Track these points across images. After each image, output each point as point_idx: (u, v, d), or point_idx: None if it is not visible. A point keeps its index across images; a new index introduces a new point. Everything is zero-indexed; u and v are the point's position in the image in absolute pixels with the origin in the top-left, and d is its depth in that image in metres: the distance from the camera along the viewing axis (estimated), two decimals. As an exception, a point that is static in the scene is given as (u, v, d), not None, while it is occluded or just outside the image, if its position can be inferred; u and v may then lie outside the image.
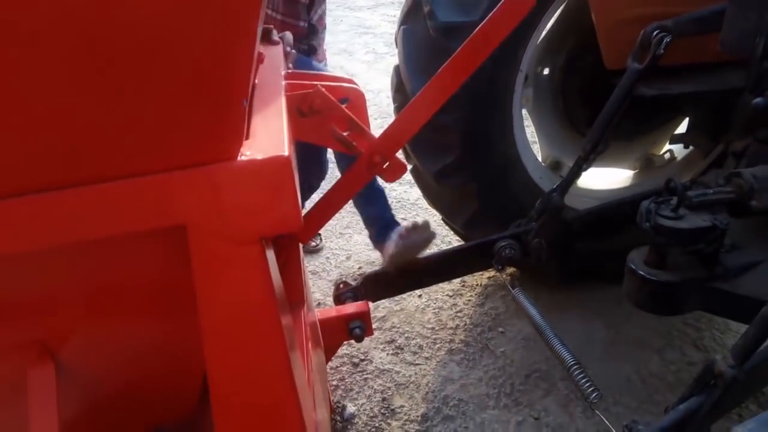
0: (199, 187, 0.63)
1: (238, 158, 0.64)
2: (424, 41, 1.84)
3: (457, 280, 2.51)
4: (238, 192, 0.65)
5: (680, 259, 1.39)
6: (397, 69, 2.10)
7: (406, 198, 3.21)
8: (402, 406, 1.93)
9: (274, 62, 1.04)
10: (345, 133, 0.99)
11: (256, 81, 0.91)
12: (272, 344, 0.74)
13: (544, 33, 1.96)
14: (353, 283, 1.81)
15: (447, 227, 2.57)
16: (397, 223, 2.16)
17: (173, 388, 1.04)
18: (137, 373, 0.98)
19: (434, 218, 2.92)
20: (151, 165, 0.63)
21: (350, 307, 1.68)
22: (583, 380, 1.35)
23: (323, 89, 0.95)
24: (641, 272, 1.38)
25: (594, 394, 1.32)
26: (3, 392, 0.89)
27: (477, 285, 2.51)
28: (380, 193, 2.31)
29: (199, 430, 1.22)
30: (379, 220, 2.24)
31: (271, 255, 0.79)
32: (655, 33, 1.55)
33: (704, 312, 1.68)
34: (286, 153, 0.66)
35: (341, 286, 1.82)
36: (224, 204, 0.64)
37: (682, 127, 2.36)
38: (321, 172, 2.52)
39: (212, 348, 0.72)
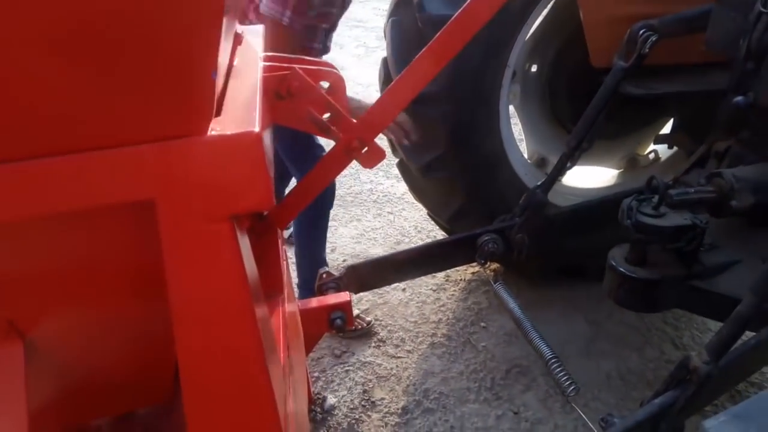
0: (168, 161, 0.62)
1: (208, 133, 0.63)
2: (412, 33, 1.83)
3: (440, 275, 2.51)
4: (208, 168, 0.63)
5: (660, 256, 1.40)
6: (385, 61, 2.09)
7: (393, 192, 3.21)
8: (382, 399, 1.93)
9: (252, 43, 1.03)
10: (323, 117, 0.98)
11: (234, 62, 0.90)
12: (243, 328, 0.73)
13: (533, 29, 1.96)
14: (336, 274, 1.80)
15: (433, 222, 2.57)
16: None
17: (147, 372, 1.03)
18: (110, 356, 0.97)
19: (420, 212, 2.93)
20: (120, 137, 0.62)
21: (332, 298, 1.67)
22: (561, 374, 1.35)
23: (301, 71, 0.94)
24: (621, 269, 1.38)
25: (571, 388, 1.32)
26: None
27: (461, 280, 2.51)
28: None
29: (173, 415, 1.21)
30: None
31: (244, 238, 0.78)
32: (641, 32, 1.56)
33: (682, 310, 1.70)
34: (257, 129, 0.65)
35: (324, 276, 1.81)
36: (193, 179, 0.63)
37: (667, 128, 2.38)
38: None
39: (182, 329, 0.71)
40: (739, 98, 1.33)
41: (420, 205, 2.48)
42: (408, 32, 1.86)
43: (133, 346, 0.98)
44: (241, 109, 0.70)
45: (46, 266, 0.78)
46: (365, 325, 2.23)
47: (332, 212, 3.02)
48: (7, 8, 0.51)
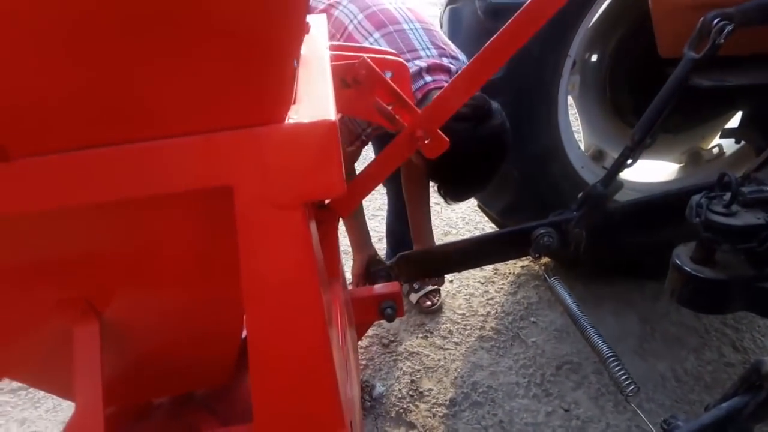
0: (247, 148, 0.63)
1: (286, 121, 0.64)
2: (471, 22, 1.80)
3: (489, 268, 2.48)
4: (284, 155, 0.64)
5: (728, 256, 1.34)
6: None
7: (442, 183, 3.18)
8: (430, 389, 1.93)
9: (319, 32, 1.03)
10: (388, 107, 0.98)
11: (302, 50, 0.91)
12: (311, 312, 0.74)
13: (595, 17, 1.90)
14: (387, 263, 1.81)
15: (481, 213, 2.54)
16: None
17: (210, 354, 1.06)
18: (176, 337, 0.99)
19: (468, 204, 2.90)
20: (200, 125, 0.63)
21: (382, 287, 1.68)
22: (620, 373, 1.32)
23: (369, 60, 0.94)
24: (687, 268, 1.33)
25: (631, 387, 1.29)
26: (51, 347, 0.91)
27: (509, 273, 2.47)
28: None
29: (232, 397, 1.24)
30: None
31: (312, 224, 0.79)
32: (715, 21, 1.48)
33: (749, 312, 1.63)
34: (333, 118, 0.65)
35: (374, 263, 1.82)
36: (269, 166, 0.64)
37: (733, 122, 2.27)
38: None
39: (253, 312, 0.72)
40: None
41: (469, 196, 2.45)
42: (466, 21, 1.83)
43: (199, 329, 1.00)
44: (315, 98, 0.70)
45: (122, 249, 0.80)
46: (438, 300, 2.28)
47: (378, 201, 3.04)
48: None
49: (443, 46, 1.59)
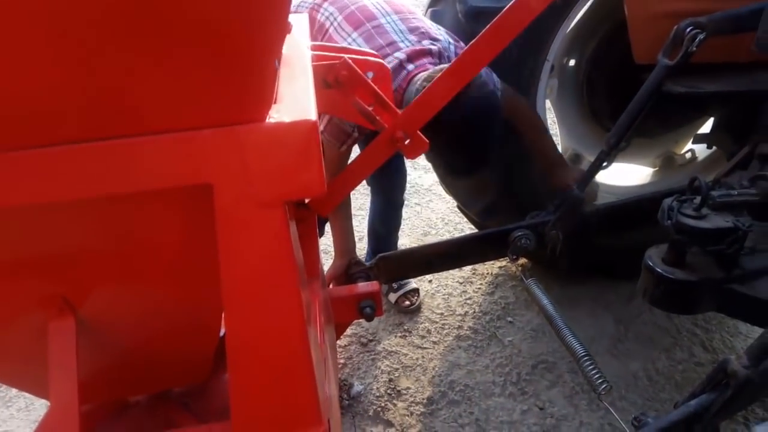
0: (227, 146, 0.63)
1: (266, 120, 0.64)
2: (451, 25, 1.82)
3: (467, 268, 2.51)
4: (265, 154, 0.65)
5: (699, 258, 1.38)
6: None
7: (420, 183, 3.20)
8: (408, 388, 1.94)
9: (300, 32, 1.04)
10: (369, 107, 0.99)
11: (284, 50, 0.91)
12: (290, 310, 0.75)
13: (573, 23, 1.93)
14: (366, 263, 1.82)
15: (461, 214, 2.56)
16: None
17: (188, 352, 1.06)
18: (153, 334, 0.99)
19: (448, 204, 2.93)
20: (181, 122, 0.63)
21: (361, 287, 1.68)
22: (594, 372, 1.34)
23: (350, 61, 0.95)
24: (659, 270, 1.37)
25: (603, 386, 1.32)
26: (26, 343, 0.90)
27: (487, 273, 2.50)
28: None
29: (209, 395, 1.24)
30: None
31: (292, 223, 0.79)
32: (688, 29, 1.52)
33: (718, 313, 1.67)
34: (314, 118, 0.66)
35: (353, 265, 1.83)
36: (250, 165, 0.64)
37: (705, 127, 2.33)
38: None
39: (231, 310, 0.73)
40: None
41: (447, 197, 2.47)
42: (447, 24, 1.84)
43: (177, 326, 1.00)
44: (296, 97, 0.71)
45: (100, 245, 0.80)
46: (417, 299, 2.30)
47: (359, 202, 3.05)
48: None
49: (423, 31, 1.59)
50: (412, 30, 1.58)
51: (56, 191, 0.66)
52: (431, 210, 2.98)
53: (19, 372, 1.06)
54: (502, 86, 1.64)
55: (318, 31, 1.68)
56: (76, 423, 0.84)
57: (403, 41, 1.54)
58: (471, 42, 1.03)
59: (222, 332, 1.13)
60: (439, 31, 1.64)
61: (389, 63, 1.44)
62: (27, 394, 1.90)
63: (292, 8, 1.78)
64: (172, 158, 0.64)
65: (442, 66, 1.33)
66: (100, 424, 1.19)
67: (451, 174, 1.65)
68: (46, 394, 1.17)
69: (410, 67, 1.46)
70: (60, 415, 0.85)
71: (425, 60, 1.48)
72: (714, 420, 1.13)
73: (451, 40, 1.62)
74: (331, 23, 1.64)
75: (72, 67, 0.60)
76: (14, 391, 1.93)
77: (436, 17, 1.96)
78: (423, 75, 1.35)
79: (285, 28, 0.60)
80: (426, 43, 1.54)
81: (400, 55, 1.48)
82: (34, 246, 0.78)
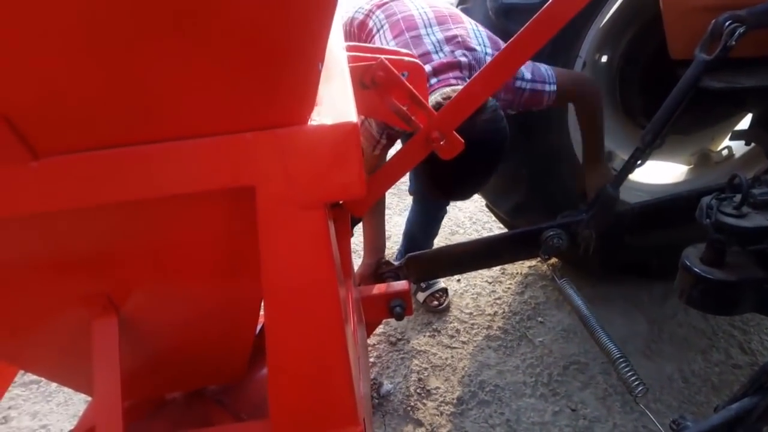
0: (270, 149, 0.64)
1: (309, 123, 0.65)
2: (482, 22, 1.80)
3: (496, 267, 2.49)
4: (307, 156, 0.65)
5: (738, 258, 1.34)
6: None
7: (449, 183, 3.19)
8: (438, 388, 1.94)
9: (335, 33, 1.04)
10: (404, 107, 0.99)
11: (322, 51, 0.92)
12: (329, 310, 0.75)
13: (606, 18, 1.90)
14: (395, 263, 1.82)
15: (489, 213, 2.55)
16: None
17: (225, 350, 1.07)
18: (192, 333, 1.01)
19: (476, 203, 2.91)
20: (225, 125, 0.64)
21: (391, 286, 1.69)
22: (629, 373, 1.32)
23: (386, 61, 0.95)
24: (696, 269, 1.34)
25: (640, 388, 1.29)
26: (69, 340, 0.92)
27: (517, 273, 2.48)
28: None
29: (244, 393, 1.25)
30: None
31: (330, 224, 0.80)
32: (727, 23, 1.49)
33: (757, 314, 1.63)
34: (355, 119, 0.66)
35: (383, 265, 1.83)
36: (293, 167, 0.65)
37: (743, 123, 2.27)
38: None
39: (272, 310, 0.74)
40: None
41: (476, 196, 2.45)
42: (478, 21, 1.83)
43: (215, 325, 1.02)
44: (336, 99, 0.72)
45: (143, 246, 0.82)
46: (445, 299, 2.30)
47: (387, 201, 3.05)
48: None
49: (460, 40, 1.58)
50: (449, 40, 1.58)
51: (103, 194, 0.68)
52: (459, 209, 2.97)
53: (61, 367, 1.08)
54: (549, 72, 1.63)
55: (367, 36, 1.71)
56: (119, 418, 0.86)
57: (437, 53, 1.54)
58: (508, 41, 1.02)
59: (257, 329, 1.15)
60: (479, 38, 1.62)
61: None
62: (66, 389, 1.96)
63: (348, 15, 1.80)
64: (215, 161, 0.65)
65: (459, 87, 1.33)
66: (139, 421, 1.22)
67: (446, 195, 1.68)
68: (86, 389, 1.20)
69: (433, 80, 1.48)
70: (103, 410, 0.87)
71: (450, 74, 1.49)
72: (757, 425, 1.11)
73: (489, 48, 1.60)
74: (378, 30, 1.66)
75: (115, 71, 0.61)
76: (54, 385, 1.99)
77: (465, 15, 1.95)
78: (445, 91, 1.36)
79: (329, 30, 0.60)
80: (458, 54, 1.54)
81: (428, 68, 1.49)
82: (79, 246, 0.79)
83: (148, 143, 0.66)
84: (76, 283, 0.84)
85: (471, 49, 1.57)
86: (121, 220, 0.76)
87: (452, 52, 1.55)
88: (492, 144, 1.38)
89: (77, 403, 1.95)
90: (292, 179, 0.65)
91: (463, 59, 1.53)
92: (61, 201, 0.66)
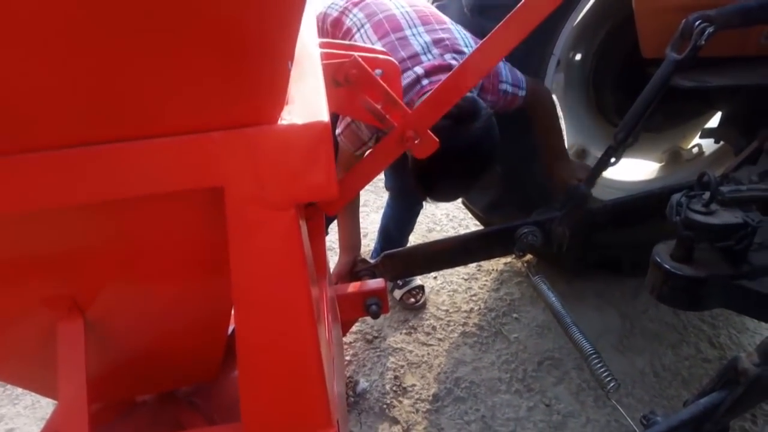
0: (240, 149, 0.62)
1: (279, 122, 0.64)
2: (457, 20, 1.80)
3: (472, 264, 2.50)
4: (277, 156, 0.64)
5: (707, 254, 1.37)
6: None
7: (426, 179, 3.19)
8: (414, 385, 1.94)
9: (308, 30, 1.02)
10: (378, 106, 0.98)
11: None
12: (301, 311, 0.74)
13: (579, 17, 1.91)
14: (371, 261, 1.81)
15: (465, 210, 2.55)
16: None
17: (197, 351, 1.05)
18: (162, 334, 0.99)
19: (454, 201, 2.91)
20: (193, 124, 0.62)
21: (367, 284, 1.68)
22: (602, 370, 1.34)
23: (359, 59, 0.94)
24: (666, 266, 1.36)
25: (612, 384, 1.31)
26: (33, 344, 0.90)
27: (493, 270, 2.50)
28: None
29: (217, 394, 1.24)
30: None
31: (302, 223, 0.79)
32: (697, 23, 1.51)
33: (725, 309, 1.67)
34: (326, 119, 0.65)
35: (359, 263, 1.82)
36: (262, 167, 0.64)
37: (713, 122, 2.32)
38: None
39: (242, 311, 0.72)
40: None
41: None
42: (453, 19, 1.83)
43: (186, 326, 1.00)
44: (307, 98, 0.70)
45: (110, 246, 0.80)
46: (422, 296, 2.30)
47: (363, 198, 3.04)
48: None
49: (448, 43, 1.58)
50: (437, 42, 1.57)
51: (67, 194, 0.65)
52: (436, 206, 2.97)
53: (25, 372, 1.05)
54: (522, 77, 1.64)
55: (344, 34, 1.68)
56: (85, 422, 0.84)
57: (425, 54, 1.54)
58: (483, 39, 1.02)
59: (230, 330, 1.13)
60: (466, 41, 1.62)
61: (408, 77, 1.45)
62: (33, 393, 1.91)
63: (321, 11, 1.78)
64: (182, 161, 0.63)
65: None
66: (108, 424, 1.19)
67: (432, 197, 1.70)
68: (52, 394, 1.17)
69: (425, 82, 1.47)
70: (68, 415, 0.85)
71: (442, 76, 1.48)
72: (724, 418, 1.13)
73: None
74: (358, 29, 1.64)
75: (80, 68, 0.59)
76: (21, 389, 1.94)
77: (440, 11, 1.94)
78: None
79: (298, 29, 0.59)
80: (448, 57, 1.54)
81: (419, 69, 1.48)
82: (41, 248, 0.77)
83: (111, 142, 0.64)
84: (40, 286, 0.82)
85: (459, 52, 1.57)
86: (85, 221, 0.74)
87: (441, 55, 1.55)
88: (484, 151, 1.40)
89: (45, 406, 1.90)
90: (262, 180, 0.64)
91: (453, 62, 1.53)
92: (21, 202, 0.63)
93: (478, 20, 1.78)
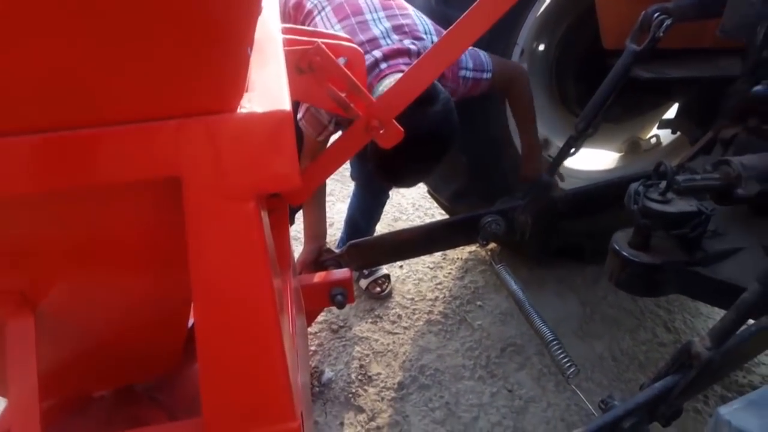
0: (197, 138, 0.60)
1: (238, 110, 0.62)
2: (422, 8, 1.79)
3: (438, 253, 2.51)
4: (236, 145, 0.62)
5: (663, 242, 1.41)
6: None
7: (391, 168, 3.19)
8: (379, 374, 1.95)
9: (271, 15, 1.00)
10: (342, 94, 0.96)
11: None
12: (262, 303, 0.73)
13: (543, 7, 1.93)
14: (336, 251, 1.80)
15: (431, 199, 2.56)
16: None
17: (156, 345, 1.02)
18: (119, 328, 0.96)
19: (418, 190, 2.92)
20: (148, 112, 0.60)
21: (333, 274, 1.67)
22: (562, 356, 1.37)
23: (323, 46, 0.92)
24: (624, 253, 1.39)
25: (571, 369, 1.34)
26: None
27: (458, 258, 2.52)
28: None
29: (177, 388, 1.21)
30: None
31: (264, 214, 0.77)
32: (655, 15, 1.54)
33: (681, 295, 1.72)
34: (287, 107, 0.63)
35: (324, 252, 1.81)
36: (221, 157, 0.62)
37: (670, 113, 2.38)
38: None
39: (202, 304, 0.70)
40: (758, 87, 1.32)
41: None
42: (418, 7, 1.82)
43: (144, 320, 0.97)
44: (268, 86, 0.68)
45: (60, 239, 0.76)
46: (387, 285, 2.30)
47: (330, 187, 3.02)
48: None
49: (408, 30, 1.57)
50: (396, 29, 1.56)
51: (12, 184, 0.62)
52: (402, 195, 2.97)
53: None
54: (487, 59, 1.64)
55: (305, 17, 1.65)
56: (36, 420, 0.81)
57: (384, 38, 1.52)
58: (447, 30, 1.01)
59: (190, 323, 1.11)
60: (426, 27, 1.62)
61: (366, 60, 1.42)
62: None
63: None
64: (137, 150, 0.61)
65: None
66: (63, 421, 1.15)
67: (392, 182, 1.70)
68: (3, 392, 1.12)
69: (383, 65, 1.46)
70: (19, 412, 0.82)
71: (400, 60, 1.48)
72: (677, 400, 1.17)
73: (435, 36, 1.60)
74: (319, 12, 1.61)
75: (27, 51, 0.55)
76: (-30, 385, 1.86)
77: (406, 1, 1.93)
78: (397, 77, 1.35)
79: (258, 12, 0.57)
80: (407, 42, 1.53)
81: (377, 53, 1.47)
82: (-11, 240, 0.73)
83: (63, 130, 0.61)
84: (-14, 280, 0.78)
85: (419, 38, 1.56)
86: (34, 211, 0.70)
87: (401, 40, 1.54)
88: (443, 135, 1.40)
89: (-2, 402, 1.83)
90: (221, 170, 0.62)
91: (412, 47, 1.52)
92: (-39, 192, 0.60)
93: (442, 9, 1.77)
